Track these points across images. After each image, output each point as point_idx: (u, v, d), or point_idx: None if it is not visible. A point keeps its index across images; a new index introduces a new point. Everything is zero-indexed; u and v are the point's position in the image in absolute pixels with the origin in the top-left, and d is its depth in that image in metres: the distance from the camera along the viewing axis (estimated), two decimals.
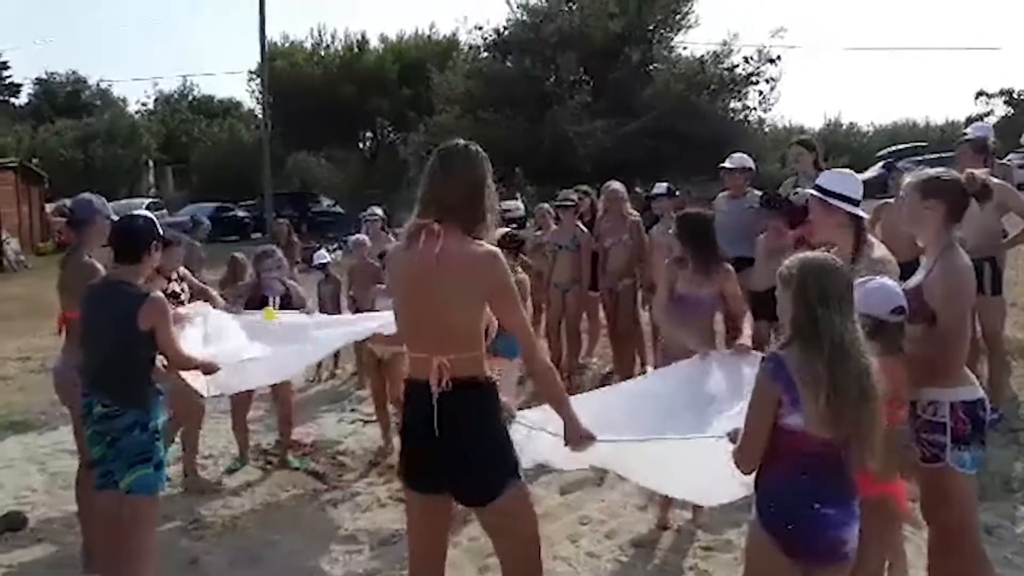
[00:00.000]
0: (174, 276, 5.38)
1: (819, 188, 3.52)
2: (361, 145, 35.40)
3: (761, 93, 21.68)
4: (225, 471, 5.77)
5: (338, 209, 29.84)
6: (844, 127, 53.50)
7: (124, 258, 3.58)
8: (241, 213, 30.91)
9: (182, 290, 5.32)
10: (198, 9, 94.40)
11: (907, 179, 3.38)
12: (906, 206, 3.27)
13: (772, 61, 21.24)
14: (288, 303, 5.79)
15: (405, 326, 2.81)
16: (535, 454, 3.30)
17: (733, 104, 22.05)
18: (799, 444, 2.50)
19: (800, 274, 2.57)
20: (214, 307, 5.23)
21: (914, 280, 3.14)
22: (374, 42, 33.80)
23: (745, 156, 6.66)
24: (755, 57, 21.30)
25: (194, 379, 4.20)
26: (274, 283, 5.84)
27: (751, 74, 21.37)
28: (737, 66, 21.57)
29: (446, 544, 2.96)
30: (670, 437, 3.26)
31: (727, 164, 6.66)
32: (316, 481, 5.59)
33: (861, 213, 3.44)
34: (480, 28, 23.26)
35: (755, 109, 22.08)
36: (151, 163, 42.51)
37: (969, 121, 47.18)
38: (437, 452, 2.67)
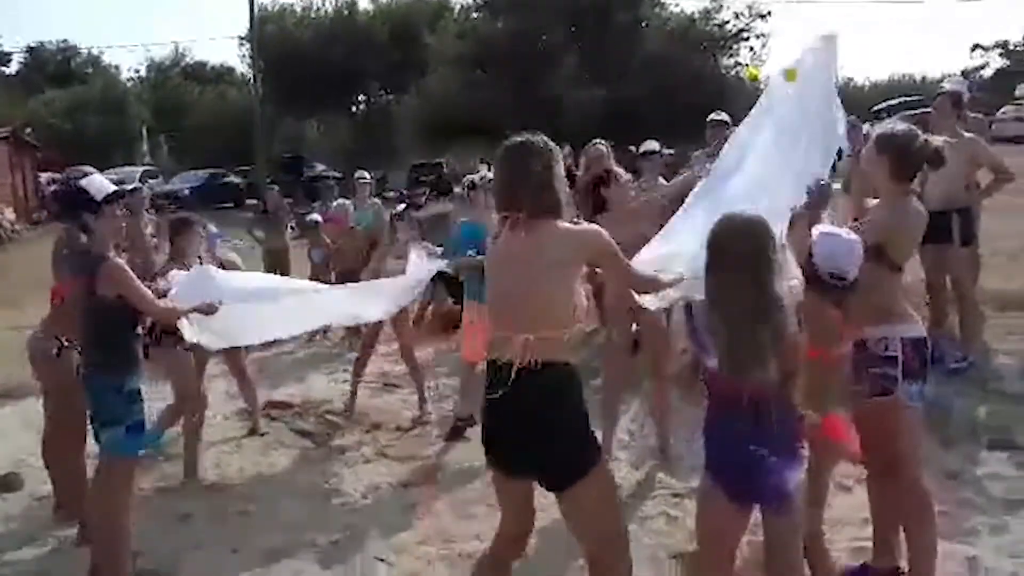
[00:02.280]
0: (195, 262, 5.18)
1: None
2: (353, 108, 35.21)
3: (752, 49, 21.61)
4: None
5: (333, 173, 29.82)
6: (840, 82, 53.26)
7: (79, 230, 3.63)
8: (236, 180, 30.93)
9: None
10: None
11: (876, 129, 3.49)
12: (865, 155, 3.38)
13: (762, 16, 21.14)
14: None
15: (492, 306, 2.87)
16: None
17: (725, 61, 21.97)
18: (724, 387, 2.65)
19: (713, 233, 2.71)
20: None
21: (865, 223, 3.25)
22: (364, 4, 33.48)
23: (723, 113, 6.75)
24: (745, 13, 21.24)
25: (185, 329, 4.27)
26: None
27: (741, 30, 21.25)
28: (728, 22, 21.47)
29: (533, 512, 2.96)
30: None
31: (716, 117, 6.76)
32: (305, 440, 5.75)
33: None
34: None
35: (747, 65, 21.99)
36: (145, 131, 42.35)
37: (964, 75, 47.19)
38: (519, 435, 2.72)
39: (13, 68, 51.36)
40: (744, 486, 2.65)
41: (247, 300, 4.59)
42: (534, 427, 2.68)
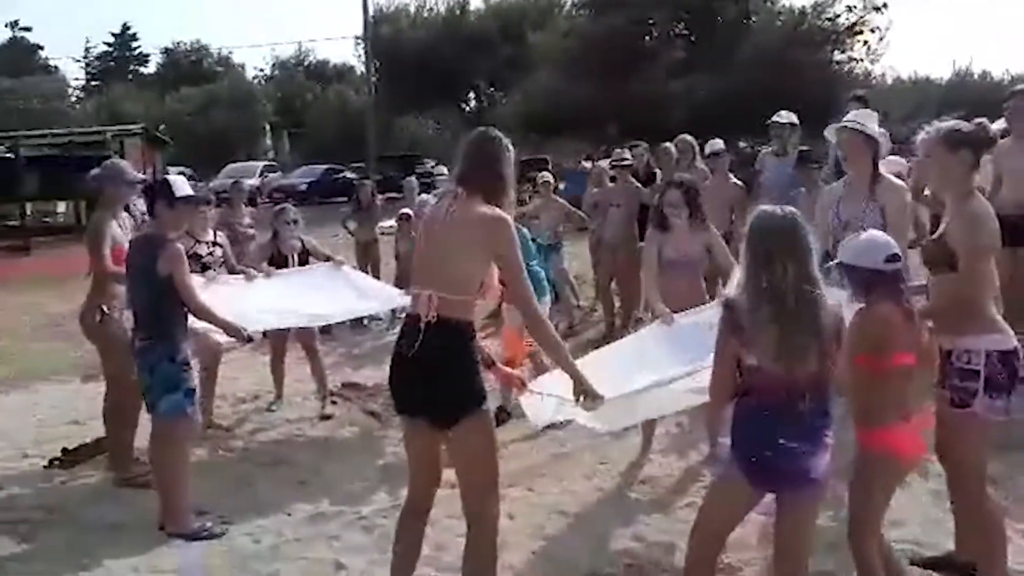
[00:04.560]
0: (206, 238, 5.81)
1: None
2: (464, 106, 35.90)
3: (866, 43, 20.78)
4: (267, 409, 6.34)
5: (441, 170, 30.52)
6: (975, 76, 50.44)
7: (150, 214, 4.20)
8: (350, 175, 32.11)
9: (209, 253, 5.78)
10: None
11: (922, 135, 3.47)
12: (933, 159, 3.32)
13: (878, 9, 20.29)
14: (306, 259, 6.27)
15: (416, 266, 3.21)
16: (552, 414, 3.74)
17: (838, 56, 21.23)
18: (761, 381, 2.76)
19: (751, 227, 2.84)
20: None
21: (939, 229, 3.27)
22: (476, 3, 34.11)
23: (789, 113, 6.69)
24: (859, 6, 20.47)
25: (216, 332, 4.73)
26: (292, 239, 6.26)
27: (854, 23, 20.50)
28: (840, 16, 20.77)
29: (437, 466, 3.23)
30: (662, 382, 3.65)
31: (778, 119, 6.72)
32: (372, 420, 6.09)
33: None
34: None
35: (862, 60, 21.20)
36: (268, 127, 44.45)
37: None
38: (413, 376, 3.04)
39: (151, 68, 55.01)
40: (769, 473, 2.76)
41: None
42: (426, 369, 3.00)
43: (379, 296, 6.35)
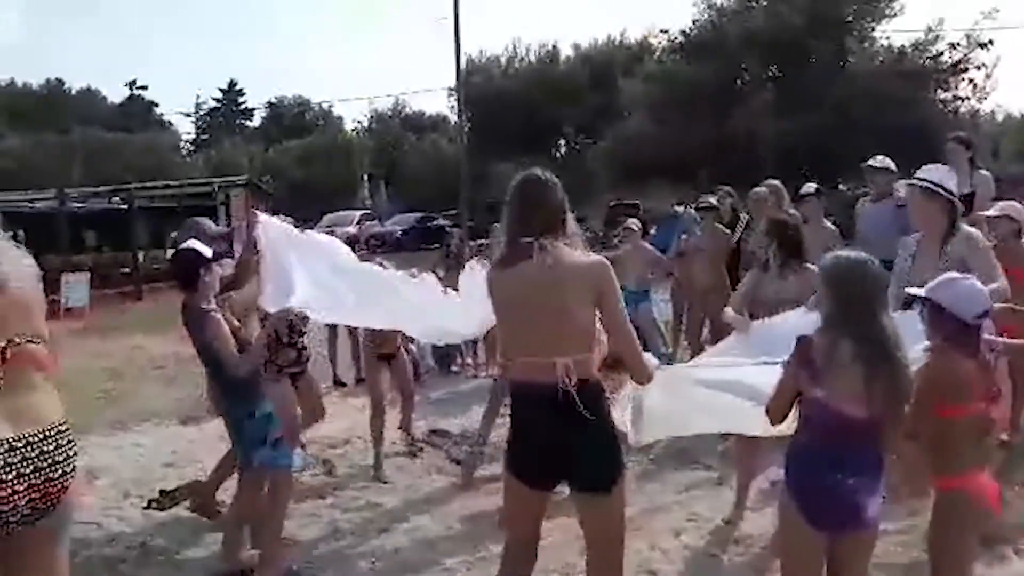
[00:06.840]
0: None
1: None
2: (554, 152, 36.28)
3: (972, 81, 20.01)
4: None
5: None
6: None
7: (185, 287, 4.08)
8: (443, 222, 32.76)
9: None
10: (406, 30, 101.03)
11: None
12: None
13: (983, 46, 19.55)
14: None
15: (518, 334, 2.99)
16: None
17: (942, 95, 20.49)
18: (825, 415, 2.73)
19: (830, 272, 2.83)
20: None
21: None
22: (566, 51, 34.61)
23: (885, 158, 6.43)
24: (963, 43, 19.76)
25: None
26: None
27: (958, 61, 19.80)
28: (942, 54, 20.07)
29: (540, 530, 3.21)
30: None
31: (874, 164, 6.47)
32: (458, 467, 6.07)
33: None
34: (666, 31, 23.20)
35: (968, 99, 20.40)
36: (365, 177, 45.91)
37: None
38: (557, 447, 2.89)
39: (256, 122, 57.75)
40: (824, 508, 2.74)
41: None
42: (570, 439, 2.86)
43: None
